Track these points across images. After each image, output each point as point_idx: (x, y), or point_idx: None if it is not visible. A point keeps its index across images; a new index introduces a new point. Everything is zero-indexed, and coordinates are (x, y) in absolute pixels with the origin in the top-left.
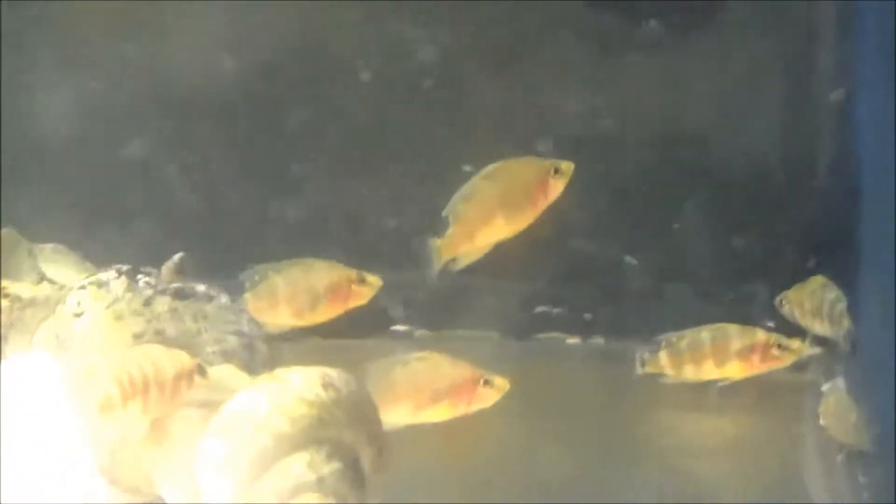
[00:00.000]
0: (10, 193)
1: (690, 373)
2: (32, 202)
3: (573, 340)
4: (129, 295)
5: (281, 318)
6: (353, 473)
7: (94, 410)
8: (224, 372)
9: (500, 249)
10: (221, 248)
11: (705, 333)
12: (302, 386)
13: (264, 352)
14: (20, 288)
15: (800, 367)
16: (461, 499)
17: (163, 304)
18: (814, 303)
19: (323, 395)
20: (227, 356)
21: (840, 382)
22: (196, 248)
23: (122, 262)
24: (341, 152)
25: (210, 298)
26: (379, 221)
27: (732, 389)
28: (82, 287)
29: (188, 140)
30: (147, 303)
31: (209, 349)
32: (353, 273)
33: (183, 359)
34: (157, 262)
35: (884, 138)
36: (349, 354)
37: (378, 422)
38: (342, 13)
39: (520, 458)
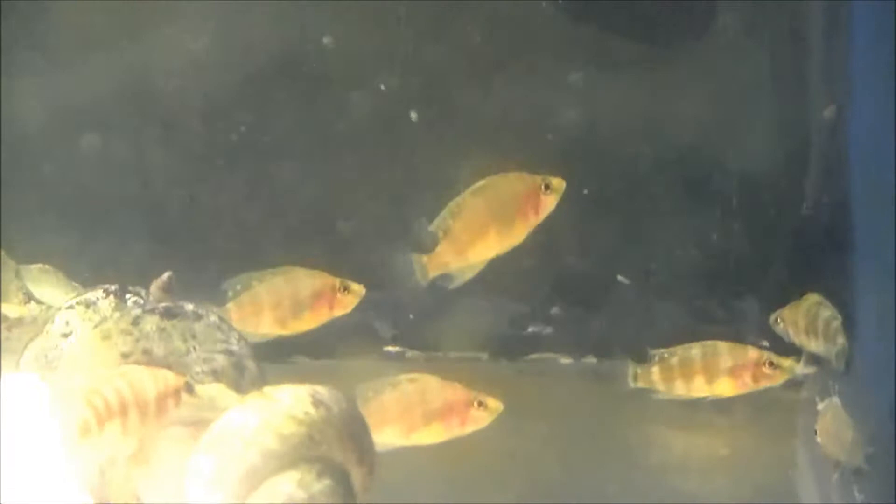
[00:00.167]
0: None
1: (681, 389)
2: (17, 220)
3: (565, 360)
4: (117, 314)
5: (264, 326)
6: (344, 492)
7: (73, 436)
8: (213, 390)
9: (490, 269)
10: (208, 263)
11: (696, 350)
12: (291, 404)
13: (254, 370)
14: (7, 308)
15: (795, 384)
16: None
17: (151, 323)
18: (808, 321)
19: (313, 412)
20: (216, 375)
21: (836, 400)
22: (183, 263)
23: (109, 281)
24: (329, 175)
25: (199, 317)
26: (369, 242)
27: (726, 407)
28: (70, 307)
29: (176, 151)
30: (135, 322)
31: (198, 368)
32: (336, 281)
33: (167, 377)
34: (146, 281)
35: (877, 154)
36: (339, 375)
37: (369, 440)
38: (330, 20)
39: (512, 478)
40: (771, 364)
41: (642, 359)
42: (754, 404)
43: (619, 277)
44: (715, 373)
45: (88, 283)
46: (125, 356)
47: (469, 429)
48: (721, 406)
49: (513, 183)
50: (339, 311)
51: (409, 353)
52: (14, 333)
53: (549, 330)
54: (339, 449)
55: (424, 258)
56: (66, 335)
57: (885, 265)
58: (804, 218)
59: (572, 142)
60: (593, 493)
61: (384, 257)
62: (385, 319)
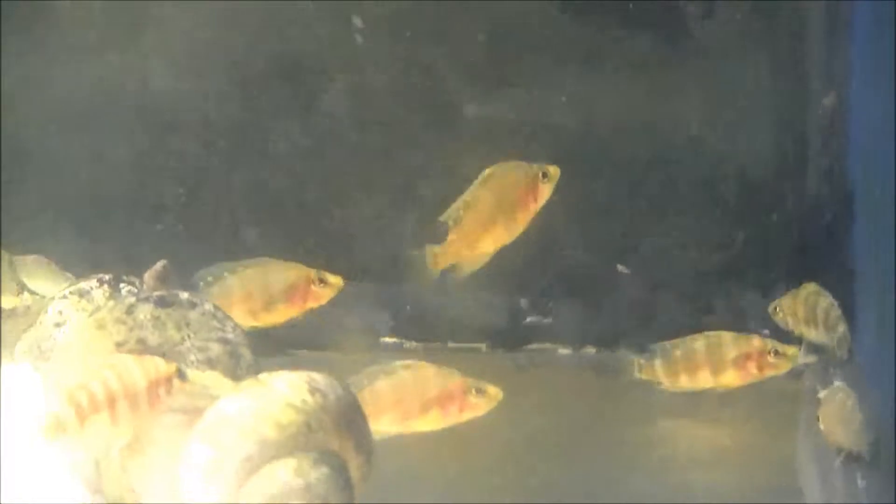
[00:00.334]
0: None
1: (685, 381)
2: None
3: (565, 351)
4: (111, 303)
5: (236, 318)
6: (341, 480)
7: (41, 434)
8: (207, 378)
9: (490, 259)
10: (202, 261)
11: (700, 342)
12: (288, 391)
13: (249, 359)
14: (1, 299)
15: (796, 374)
16: None
17: (145, 312)
18: (807, 310)
19: (310, 400)
20: (211, 364)
21: (839, 386)
22: (178, 259)
23: (104, 272)
24: (328, 167)
25: (193, 306)
26: (367, 235)
27: (728, 397)
28: (64, 297)
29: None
30: (129, 311)
31: (192, 357)
32: (311, 272)
33: (158, 365)
34: (140, 271)
35: (876, 143)
36: (336, 367)
37: (366, 428)
38: (324, 27)
39: (511, 469)
40: (776, 353)
41: (642, 350)
42: (756, 394)
43: (619, 267)
44: (720, 364)
45: (82, 273)
46: (119, 345)
47: (467, 416)
48: (723, 397)
49: (513, 172)
50: (314, 304)
51: (407, 344)
52: (8, 324)
53: (547, 320)
54: (336, 437)
55: (437, 249)
56: (59, 325)
57: (887, 253)
58: (803, 208)
59: (573, 136)
60: (593, 487)
61: (393, 250)
62: (382, 311)
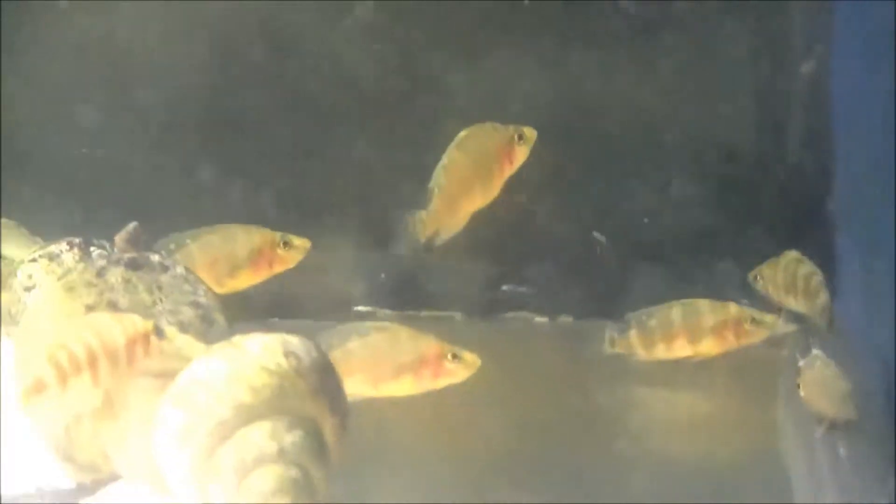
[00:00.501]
0: None
1: (662, 352)
2: None
3: (541, 319)
4: (81, 266)
5: None
6: (316, 443)
7: (23, 395)
8: (181, 341)
9: (465, 227)
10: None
11: (676, 310)
12: (262, 354)
13: (222, 323)
14: None
15: (775, 342)
16: (423, 478)
17: (116, 275)
18: (788, 278)
19: (284, 363)
20: (183, 327)
21: (818, 354)
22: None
23: (74, 235)
24: (303, 138)
25: (165, 269)
26: (341, 203)
27: (706, 365)
28: (33, 260)
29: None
30: (100, 274)
31: (164, 321)
32: (276, 236)
33: (135, 322)
34: (111, 234)
35: (858, 111)
36: (308, 334)
37: (341, 391)
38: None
39: (487, 439)
40: (753, 320)
41: (618, 318)
42: (733, 362)
43: (596, 234)
44: (697, 332)
45: (52, 237)
46: (89, 308)
47: (442, 383)
48: (701, 364)
49: (489, 134)
50: (280, 268)
51: (381, 313)
52: None
53: (523, 289)
54: (311, 400)
55: (423, 214)
56: (29, 289)
57: (869, 224)
58: (784, 177)
59: (550, 104)
60: (570, 459)
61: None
62: (356, 279)
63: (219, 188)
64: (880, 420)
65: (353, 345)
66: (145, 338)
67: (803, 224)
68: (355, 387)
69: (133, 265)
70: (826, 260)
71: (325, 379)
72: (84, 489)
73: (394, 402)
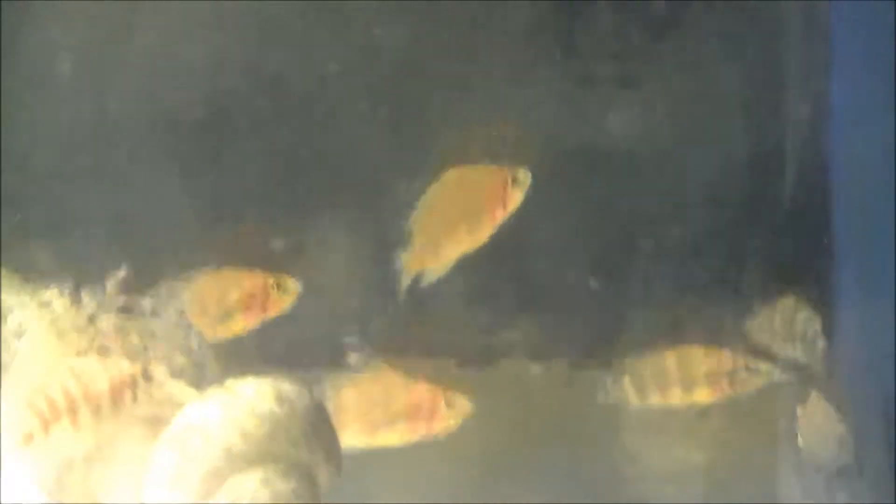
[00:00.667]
0: None
1: (656, 399)
2: None
3: (536, 367)
4: (72, 311)
5: None
6: (309, 491)
7: (18, 443)
8: (172, 387)
9: (458, 272)
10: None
11: (670, 357)
12: (255, 399)
13: (214, 370)
14: None
15: (772, 389)
16: None
17: (107, 320)
18: (785, 326)
19: (277, 409)
20: (175, 374)
21: (817, 402)
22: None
23: (65, 279)
24: (288, 185)
25: (157, 315)
26: (329, 247)
27: (702, 412)
28: (23, 306)
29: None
30: (91, 319)
31: (156, 365)
32: (269, 278)
33: (121, 367)
34: (103, 277)
35: (857, 150)
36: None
37: (335, 438)
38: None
39: (479, 489)
40: (748, 369)
41: (615, 365)
42: (730, 409)
43: (591, 281)
44: (692, 380)
45: (44, 281)
46: (80, 354)
47: (437, 429)
48: (698, 412)
49: (480, 175)
50: (274, 312)
51: (373, 362)
52: None
53: (518, 336)
54: (305, 447)
55: (405, 255)
56: (19, 335)
57: (867, 263)
58: (781, 219)
59: (545, 146)
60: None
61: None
62: (348, 327)
63: (204, 233)
64: (880, 465)
65: (346, 395)
66: (132, 382)
67: (800, 268)
68: (349, 437)
69: (124, 310)
70: (823, 304)
71: (318, 426)
72: None
73: (382, 456)
